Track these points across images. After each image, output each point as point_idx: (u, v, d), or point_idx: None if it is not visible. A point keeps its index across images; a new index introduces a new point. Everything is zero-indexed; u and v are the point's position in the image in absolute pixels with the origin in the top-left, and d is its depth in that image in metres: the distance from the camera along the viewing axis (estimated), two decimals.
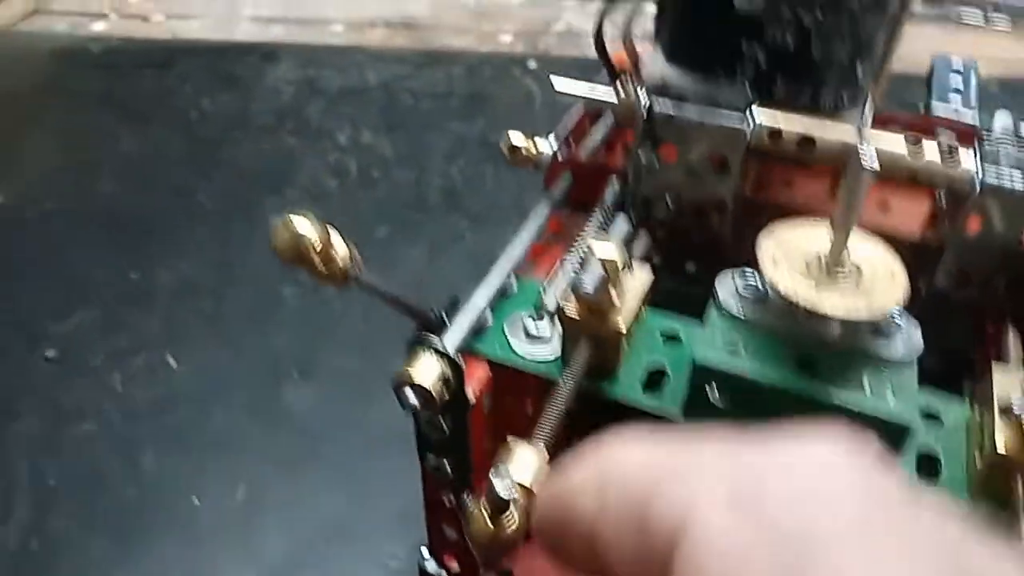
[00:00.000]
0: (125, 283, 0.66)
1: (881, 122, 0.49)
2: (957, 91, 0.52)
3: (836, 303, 0.29)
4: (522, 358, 0.34)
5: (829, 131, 0.36)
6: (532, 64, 1.00)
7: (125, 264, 0.68)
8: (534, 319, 0.35)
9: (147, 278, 0.66)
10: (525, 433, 0.44)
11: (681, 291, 0.44)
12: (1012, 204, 0.35)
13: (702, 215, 0.41)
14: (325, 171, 0.79)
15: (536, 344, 0.35)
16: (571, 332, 0.33)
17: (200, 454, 0.53)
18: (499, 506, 0.26)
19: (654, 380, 0.34)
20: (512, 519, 0.26)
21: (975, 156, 0.36)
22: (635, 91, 0.38)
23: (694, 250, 0.43)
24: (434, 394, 0.31)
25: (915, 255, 0.38)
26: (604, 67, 0.43)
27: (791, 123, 0.37)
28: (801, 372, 0.30)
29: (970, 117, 0.48)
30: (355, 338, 0.60)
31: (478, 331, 0.35)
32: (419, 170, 0.79)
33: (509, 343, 0.35)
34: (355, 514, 0.51)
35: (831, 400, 0.29)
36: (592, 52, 1.10)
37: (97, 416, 0.55)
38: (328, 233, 0.28)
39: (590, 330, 0.32)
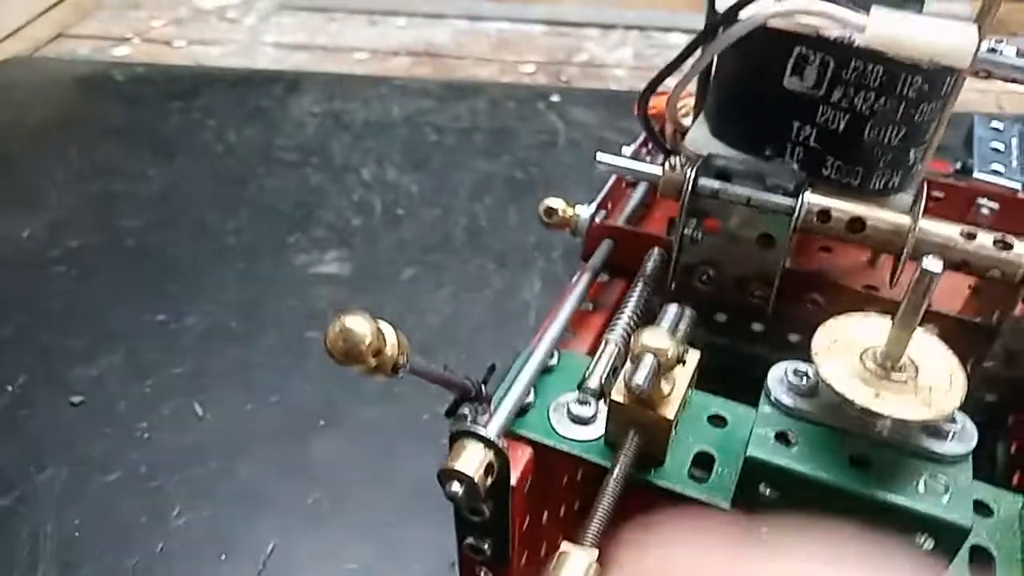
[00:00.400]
0: (151, 325, 0.66)
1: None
2: (996, 150, 0.51)
3: (894, 405, 0.28)
4: (566, 440, 0.34)
5: (880, 215, 0.36)
6: (555, 97, 1.00)
7: (150, 305, 0.67)
8: (579, 401, 0.35)
9: (173, 320, 0.66)
10: (561, 502, 0.43)
11: (711, 342, 0.44)
12: None
13: (744, 285, 0.41)
14: (350, 209, 0.79)
15: (580, 425, 0.34)
16: (618, 419, 0.33)
17: (227, 507, 0.53)
18: None
19: (699, 463, 0.33)
20: None
21: None
22: (681, 167, 0.38)
23: (728, 308, 0.43)
24: (478, 483, 0.31)
25: (965, 336, 0.37)
26: (652, 142, 0.42)
27: (841, 205, 0.36)
28: (854, 469, 0.29)
29: (1014, 182, 0.48)
30: (379, 385, 0.59)
31: (521, 411, 0.35)
32: (444, 209, 0.79)
33: (553, 425, 0.34)
34: (385, 570, 0.50)
35: (884, 499, 0.28)
36: (615, 85, 1.09)
37: (123, 466, 0.55)
38: (380, 329, 0.28)
39: (638, 417, 0.32)
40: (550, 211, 0.46)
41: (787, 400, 0.31)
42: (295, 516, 0.52)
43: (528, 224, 0.77)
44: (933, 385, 0.29)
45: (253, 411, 0.58)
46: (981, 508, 0.32)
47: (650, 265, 0.42)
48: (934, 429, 0.30)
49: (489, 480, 0.31)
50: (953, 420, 0.30)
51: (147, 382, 0.61)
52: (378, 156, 0.87)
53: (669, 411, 0.32)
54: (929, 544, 0.28)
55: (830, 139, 0.36)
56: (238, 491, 0.53)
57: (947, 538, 0.28)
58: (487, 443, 0.31)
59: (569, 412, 0.35)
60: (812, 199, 0.36)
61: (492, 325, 0.66)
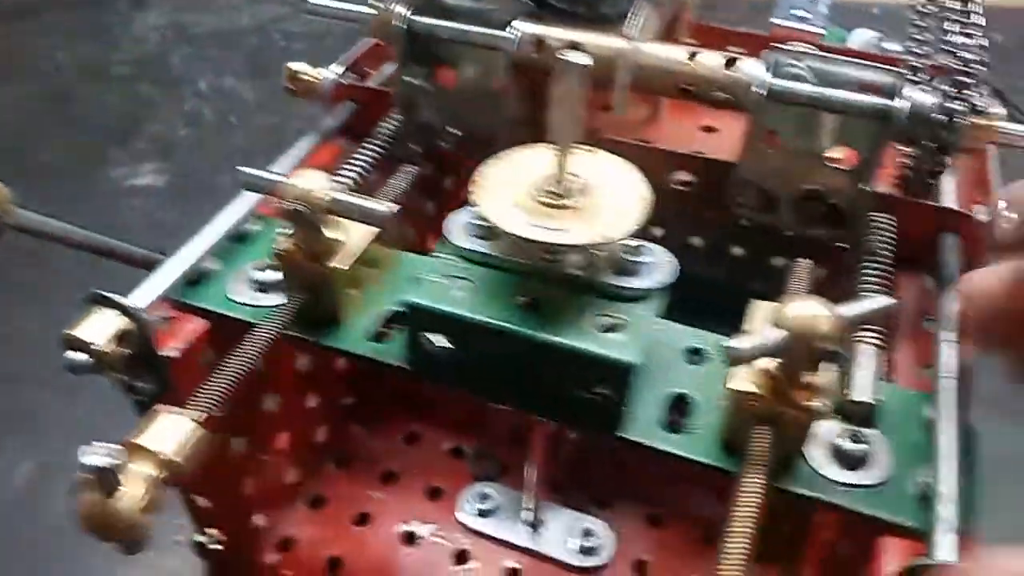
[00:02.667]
0: None
1: (701, 35, 0.45)
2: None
3: (552, 232, 0.25)
4: (240, 306, 0.30)
5: (598, 40, 0.32)
6: None
7: None
8: (262, 268, 0.31)
9: None
10: (306, 392, 0.39)
11: None
12: (801, 115, 0.30)
13: (490, 144, 0.37)
14: (179, 120, 0.74)
15: (263, 293, 0.31)
16: (289, 276, 0.29)
17: None
18: (104, 480, 0.21)
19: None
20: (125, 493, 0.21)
21: (764, 65, 0.31)
22: (394, 5, 0.34)
23: None
24: (108, 352, 0.27)
25: (704, 172, 0.34)
26: None
27: (557, 33, 0.32)
28: (524, 311, 0.26)
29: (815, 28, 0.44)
30: None
31: (197, 280, 0.31)
32: (282, 115, 0.74)
33: (230, 294, 0.30)
34: None
35: (550, 340, 0.25)
36: None
37: None
38: None
39: (306, 272, 0.28)
40: (294, 76, 0.42)
41: (465, 243, 0.27)
42: None
43: None
44: (609, 212, 0.26)
45: None
46: (695, 354, 0.28)
47: (388, 125, 0.38)
48: (622, 266, 0.26)
49: (126, 350, 0.27)
50: (644, 255, 0.27)
51: None
52: (218, 66, 0.81)
53: (336, 262, 0.28)
54: (607, 389, 0.25)
55: None
56: None
57: (613, 376, 0.25)
58: (123, 310, 0.27)
59: (250, 278, 0.31)
60: (526, 28, 0.32)
61: None
